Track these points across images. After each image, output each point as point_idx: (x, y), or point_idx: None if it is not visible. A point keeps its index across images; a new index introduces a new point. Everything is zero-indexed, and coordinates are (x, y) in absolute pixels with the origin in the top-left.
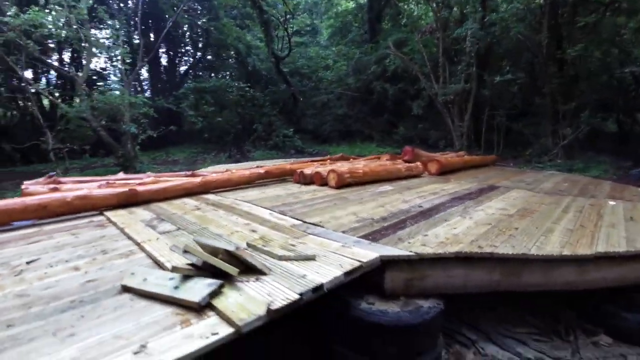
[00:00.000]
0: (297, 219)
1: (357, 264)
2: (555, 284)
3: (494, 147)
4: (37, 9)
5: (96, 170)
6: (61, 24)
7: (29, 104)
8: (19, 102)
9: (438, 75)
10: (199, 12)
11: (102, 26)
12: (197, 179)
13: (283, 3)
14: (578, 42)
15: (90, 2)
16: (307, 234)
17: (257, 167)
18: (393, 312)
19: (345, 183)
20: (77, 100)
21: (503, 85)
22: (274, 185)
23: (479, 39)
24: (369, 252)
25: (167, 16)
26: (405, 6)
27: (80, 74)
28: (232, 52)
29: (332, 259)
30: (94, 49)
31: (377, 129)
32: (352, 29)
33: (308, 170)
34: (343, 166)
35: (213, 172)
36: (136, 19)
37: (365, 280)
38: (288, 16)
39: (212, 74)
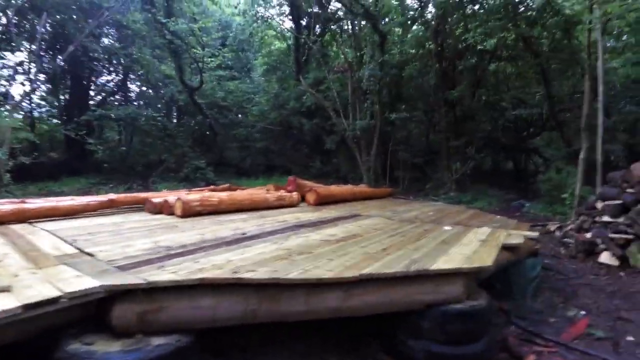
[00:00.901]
0: (77, 248)
1: (56, 294)
2: (319, 312)
3: (400, 181)
4: None
5: None
6: None
7: None
8: None
9: (348, 112)
10: (114, 39)
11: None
12: (8, 207)
13: (192, 35)
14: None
15: None
16: (62, 264)
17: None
18: (101, 353)
19: (193, 212)
20: None
21: (403, 122)
22: (118, 215)
23: (379, 79)
24: (88, 281)
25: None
26: (331, 49)
27: None
28: (144, 81)
29: (35, 290)
30: None
31: (297, 162)
32: (283, 67)
33: (157, 199)
34: (200, 194)
35: (56, 200)
36: (32, 46)
37: (96, 315)
38: (201, 51)
39: (127, 103)
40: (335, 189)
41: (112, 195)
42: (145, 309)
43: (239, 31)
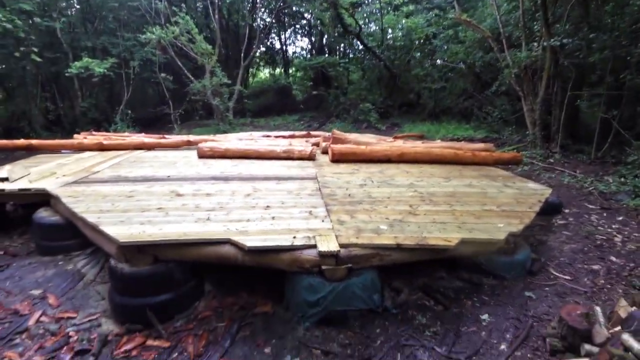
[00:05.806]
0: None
1: None
2: None
3: (593, 143)
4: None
5: (204, 129)
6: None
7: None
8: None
9: (521, 42)
10: None
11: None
12: (147, 139)
13: None
14: None
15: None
16: None
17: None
18: None
19: (206, 155)
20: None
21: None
22: (179, 151)
23: None
24: None
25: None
26: None
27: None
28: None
29: None
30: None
31: (481, 106)
32: None
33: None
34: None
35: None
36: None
37: None
38: None
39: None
40: (366, 148)
41: (190, 137)
42: None
43: None
